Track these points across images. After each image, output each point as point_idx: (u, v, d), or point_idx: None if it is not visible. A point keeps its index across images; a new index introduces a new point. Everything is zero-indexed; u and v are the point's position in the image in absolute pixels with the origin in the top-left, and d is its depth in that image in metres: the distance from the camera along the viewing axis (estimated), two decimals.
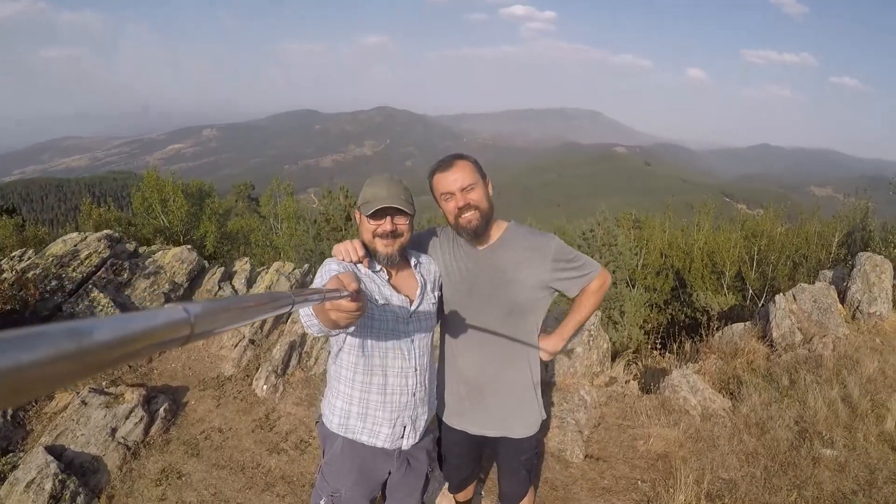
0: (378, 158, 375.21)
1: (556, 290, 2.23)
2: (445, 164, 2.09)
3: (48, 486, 3.66)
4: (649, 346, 6.76)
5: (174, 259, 7.27)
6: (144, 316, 0.48)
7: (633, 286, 13.15)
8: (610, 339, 11.99)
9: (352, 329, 1.83)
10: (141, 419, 4.48)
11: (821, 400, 4.24)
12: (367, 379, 2.00)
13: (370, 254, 2.00)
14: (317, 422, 2.22)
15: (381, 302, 1.96)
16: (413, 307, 2.04)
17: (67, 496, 3.68)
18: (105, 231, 7.34)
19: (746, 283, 12.50)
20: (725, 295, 12.11)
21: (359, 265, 1.98)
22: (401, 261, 2.02)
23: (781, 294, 6.18)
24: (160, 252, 7.53)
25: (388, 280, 2.02)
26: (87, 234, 7.20)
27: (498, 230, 2.21)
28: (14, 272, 5.91)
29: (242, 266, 7.61)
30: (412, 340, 2.04)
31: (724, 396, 4.54)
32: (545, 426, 4.25)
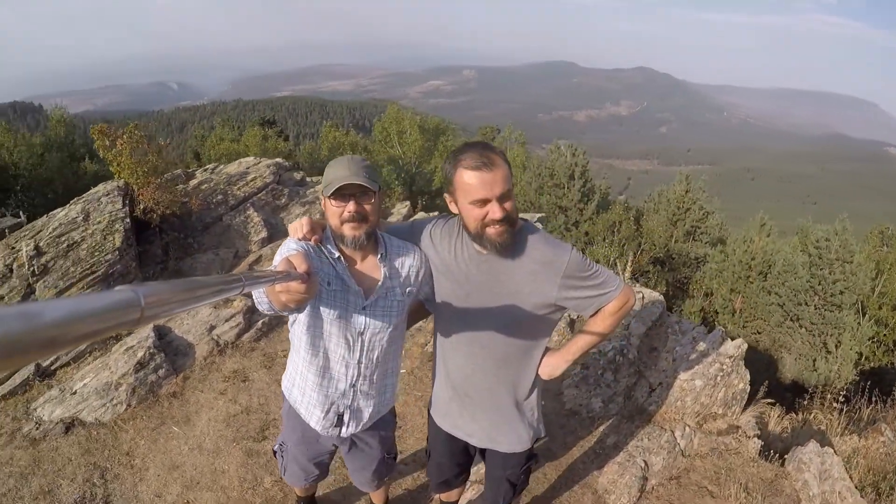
0: (632, 119, 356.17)
1: (567, 309, 1.94)
2: (481, 160, 1.70)
3: (140, 353, 4.27)
4: (829, 397, 5.35)
5: None
6: (95, 298, 0.48)
7: (863, 315, 10.77)
8: (816, 369, 10.13)
9: (303, 311, 1.86)
10: (237, 325, 4.93)
11: None
12: (309, 357, 1.97)
13: (337, 238, 1.88)
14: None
15: (332, 287, 1.87)
16: (369, 300, 1.91)
17: (152, 366, 4.25)
18: (276, 159, 8.19)
19: None
20: None
21: (319, 247, 1.88)
22: (368, 248, 1.91)
23: None
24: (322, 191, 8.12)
25: (349, 267, 1.90)
26: (260, 159, 8.06)
27: None
28: (187, 185, 6.86)
29: (399, 210, 7.84)
30: (362, 333, 1.93)
31: (863, 496, 3.31)
32: (600, 454, 3.65)
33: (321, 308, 1.87)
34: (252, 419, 3.91)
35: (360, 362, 1.96)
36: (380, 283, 1.91)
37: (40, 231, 5.55)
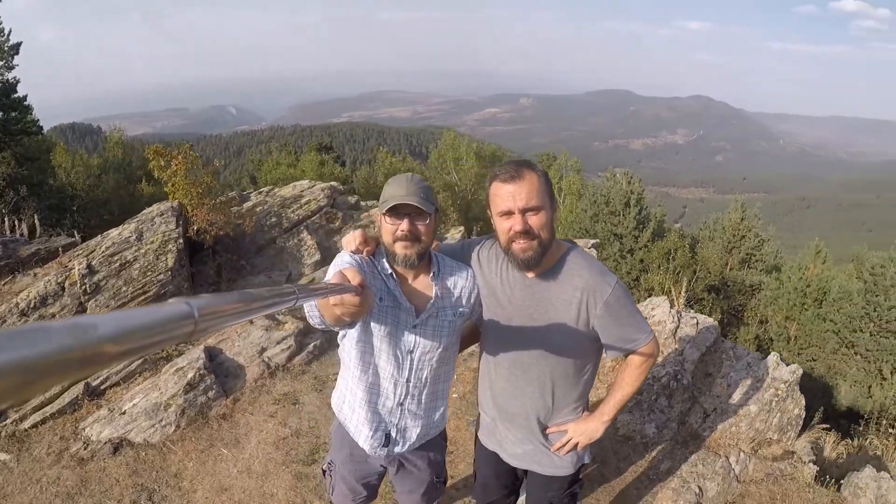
0: (688, 148, 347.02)
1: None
2: (509, 173, 1.74)
3: (190, 374, 4.35)
4: (884, 423, 5.13)
5: None
6: (148, 311, 0.48)
7: None
8: (871, 396, 9.78)
9: (354, 327, 1.85)
10: (289, 347, 4.98)
11: None
12: (358, 374, 1.96)
13: (389, 256, 1.88)
14: None
15: (384, 303, 1.87)
16: (419, 319, 1.90)
17: (202, 387, 4.32)
18: (331, 183, 8.30)
19: None
20: None
21: (373, 262, 1.91)
22: (420, 266, 1.90)
23: None
24: (377, 209, 8.23)
25: (400, 284, 1.90)
26: (315, 182, 8.22)
27: (553, 255, 1.88)
28: (241, 207, 7.05)
29: (454, 235, 7.92)
30: (411, 352, 1.92)
31: None
32: (654, 480, 3.58)
33: (372, 324, 1.87)
34: (302, 442, 3.93)
35: (408, 381, 1.95)
36: (431, 302, 1.91)
37: (93, 250, 5.68)
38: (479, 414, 2.30)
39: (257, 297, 0.70)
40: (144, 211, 6.38)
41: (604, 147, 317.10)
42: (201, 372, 4.38)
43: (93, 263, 5.44)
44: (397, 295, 1.87)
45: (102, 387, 4.43)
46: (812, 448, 4.06)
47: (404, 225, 1.79)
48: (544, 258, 1.82)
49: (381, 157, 22.19)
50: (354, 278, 1.29)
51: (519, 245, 1.76)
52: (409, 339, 1.90)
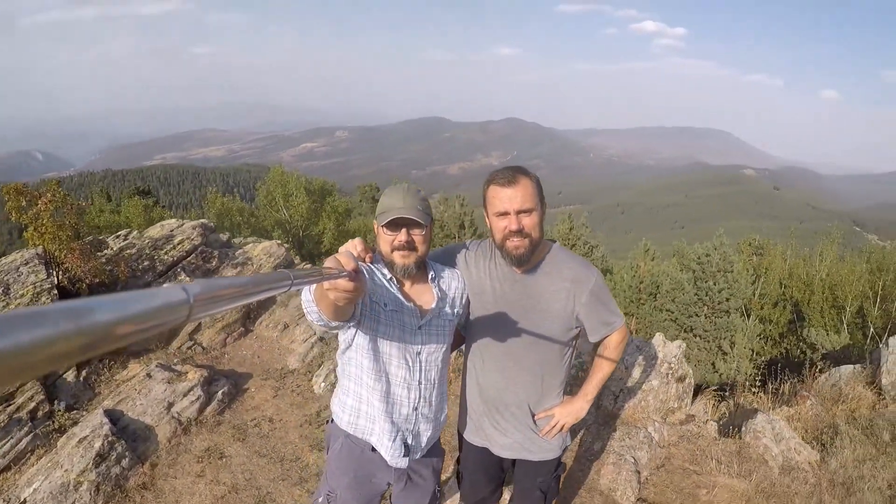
0: None
1: (581, 326, 2.14)
2: (506, 177, 1.93)
3: (97, 444, 3.86)
4: (747, 384, 6.02)
5: (263, 252, 7.54)
6: (144, 295, 0.47)
7: (748, 316, 12.07)
8: (717, 370, 11.12)
9: (352, 322, 1.82)
10: (198, 398, 4.62)
11: None
12: (371, 383, 1.95)
13: (387, 265, 1.95)
14: (328, 421, 2.16)
15: (389, 308, 1.90)
16: (424, 320, 1.96)
17: (113, 457, 3.87)
18: (201, 220, 7.77)
19: (868, 320, 10.96)
20: (842, 332, 10.69)
21: (373, 269, 1.93)
22: (418, 272, 1.97)
23: None
24: (251, 245, 7.85)
25: (401, 288, 1.96)
26: (183, 221, 7.66)
27: (540, 253, 2.08)
28: (111, 250, 6.40)
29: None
30: (419, 353, 1.98)
31: (812, 448, 3.89)
32: (591, 459, 3.91)
33: (380, 329, 1.88)
34: (244, 497, 3.68)
35: (420, 383, 1.98)
36: (433, 304, 1.98)
37: None
38: (463, 413, 2.37)
39: (253, 282, 0.69)
40: (4, 261, 5.61)
41: (422, 174, 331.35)
42: (109, 439, 3.92)
43: None
44: (401, 298, 1.92)
45: None
46: (705, 410, 4.68)
47: (402, 236, 1.86)
48: (533, 255, 2.01)
49: (211, 197, 21.23)
50: (348, 264, 1.31)
51: (513, 243, 1.94)
52: (416, 340, 1.95)
